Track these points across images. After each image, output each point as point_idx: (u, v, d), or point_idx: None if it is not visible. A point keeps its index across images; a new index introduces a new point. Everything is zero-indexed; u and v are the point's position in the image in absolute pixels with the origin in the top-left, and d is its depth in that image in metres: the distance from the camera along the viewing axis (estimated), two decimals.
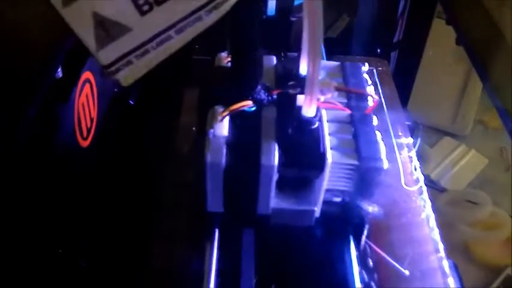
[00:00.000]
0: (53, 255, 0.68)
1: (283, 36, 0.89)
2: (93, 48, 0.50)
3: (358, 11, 1.45)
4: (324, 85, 0.60)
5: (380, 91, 0.97)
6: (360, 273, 0.66)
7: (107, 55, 0.50)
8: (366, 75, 0.69)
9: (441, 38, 1.55)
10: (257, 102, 0.62)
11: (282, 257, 0.67)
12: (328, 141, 0.60)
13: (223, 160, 0.59)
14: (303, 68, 0.63)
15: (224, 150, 0.59)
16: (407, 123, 0.92)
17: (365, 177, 0.61)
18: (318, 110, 0.60)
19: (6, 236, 0.58)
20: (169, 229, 0.74)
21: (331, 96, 0.61)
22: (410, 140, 0.87)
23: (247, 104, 0.61)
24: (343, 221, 0.66)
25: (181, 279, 0.68)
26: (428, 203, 0.77)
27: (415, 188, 0.79)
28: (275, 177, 0.60)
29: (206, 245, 0.67)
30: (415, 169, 0.82)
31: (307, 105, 0.59)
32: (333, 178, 0.61)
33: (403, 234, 0.73)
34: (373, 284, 0.65)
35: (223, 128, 0.60)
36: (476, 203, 1.72)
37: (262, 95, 0.63)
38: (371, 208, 0.65)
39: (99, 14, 0.49)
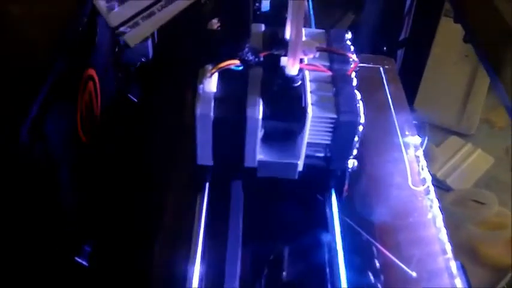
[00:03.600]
0: (55, 253, 0.70)
1: None
2: (104, 11, 0.55)
3: (364, 8, 1.46)
4: (306, 45, 0.64)
5: (387, 89, 0.99)
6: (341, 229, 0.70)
7: (116, 17, 0.56)
8: (348, 42, 0.73)
9: (447, 36, 1.60)
10: (245, 62, 0.67)
11: (267, 210, 0.72)
12: (309, 98, 0.65)
13: (212, 112, 0.64)
14: (288, 33, 0.67)
15: (212, 104, 0.64)
16: (414, 122, 0.94)
17: (344, 130, 0.65)
18: (300, 70, 0.65)
19: (8, 234, 0.60)
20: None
21: (313, 56, 0.66)
22: (417, 140, 0.88)
23: (235, 63, 0.66)
24: (325, 174, 0.70)
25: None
26: (436, 203, 0.78)
27: (421, 188, 0.80)
28: (260, 131, 0.65)
29: (197, 196, 0.71)
30: (422, 169, 0.83)
31: (291, 64, 0.63)
32: (314, 131, 0.66)
33: (409, 235, 0.74)
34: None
35: (212, 84, 0.65)
36: (483, 203, 1.73)
37: (250, 56, 0.67)
38: (351, 163, 0.69)
39: None
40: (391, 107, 0.92)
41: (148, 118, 0.97)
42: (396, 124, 0.90)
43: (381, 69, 1.06)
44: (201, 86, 0.64)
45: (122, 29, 0.56)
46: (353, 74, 0.69)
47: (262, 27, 0.74)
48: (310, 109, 0.64)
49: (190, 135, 0.64)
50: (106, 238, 0.80)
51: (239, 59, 0.66)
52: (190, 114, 0.64)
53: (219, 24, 0.71)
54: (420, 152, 0.86)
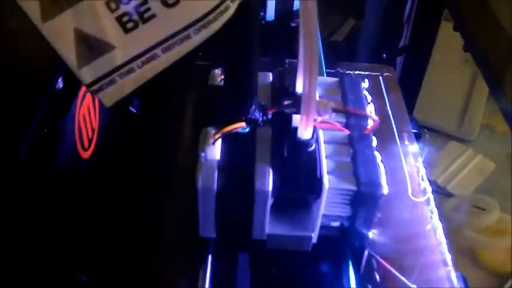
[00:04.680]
0: (54, 269, 0.66)
1: (283, 42, 0.86)
2: (75, 66, 0.47)
3: (365, 14, 1.43)
4: (321, 105, 0.57)
5: (386, 99, 0.95)
6: None
7: (89, 73, 0.47)
8: (365, 92, 0.66)
9: (447, 40, 1.58)
10: (251, 122, 0.59)
11: (278, 283, 0.65)
12: (325, 165, 0.58)
13: (215, 184, 0.56)
14: (300, 86, 0.60)
15: (216, 174, 0.57)
16: (413, 131, 0.90)
17: (364, 202, 0.58)
18: (314, 131, 0.58)
19: (8, 248, 0.57)
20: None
21: (328, 117, 0.58)
22: (416, 148, 0.85)
23: (241, 126, 0.58)
24: (342, 246, 0.64)
25: None
26: (436, 214, 0.75)
27: (422, 199, 0.76)
28: (270, 201, 0.58)
29: (199, 271, 0.64)
30: (423, 179, 0.79)
31: (303, 127, 0.56)
32: (330, 204, 0.58)
33: (409, 247, 0.71)
34: None
35: (215, 151, 0.58)
36: (484, 209, 1.70)
37: (257, 115, 0.60)
38: (371, 233, 0.62)
39: (81, 31, 0.46)
40: (391, 116, 0.89)
41: (149, 129, 0.94)
42: (396, 134, 0.86)
43: (381, 78, 1.01)
44: (202, 153, 0.57)
45: (96, 86, 0.48)
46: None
47: (269, 77, 0.66)
48: (326, 180, 0.56)
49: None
50: (105, 258, 0.77)
51: (245, 120, 0.59)
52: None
53: (222, 76, 0.63)
54: (420, 162, 0.82)
